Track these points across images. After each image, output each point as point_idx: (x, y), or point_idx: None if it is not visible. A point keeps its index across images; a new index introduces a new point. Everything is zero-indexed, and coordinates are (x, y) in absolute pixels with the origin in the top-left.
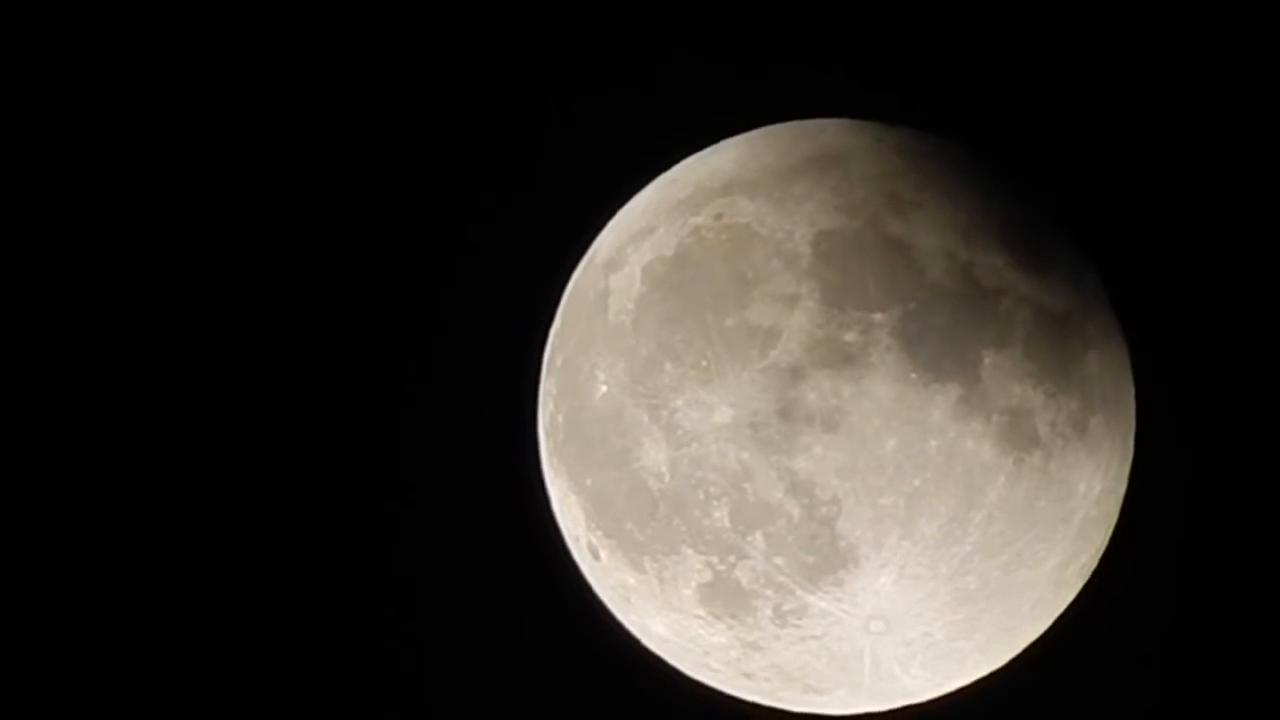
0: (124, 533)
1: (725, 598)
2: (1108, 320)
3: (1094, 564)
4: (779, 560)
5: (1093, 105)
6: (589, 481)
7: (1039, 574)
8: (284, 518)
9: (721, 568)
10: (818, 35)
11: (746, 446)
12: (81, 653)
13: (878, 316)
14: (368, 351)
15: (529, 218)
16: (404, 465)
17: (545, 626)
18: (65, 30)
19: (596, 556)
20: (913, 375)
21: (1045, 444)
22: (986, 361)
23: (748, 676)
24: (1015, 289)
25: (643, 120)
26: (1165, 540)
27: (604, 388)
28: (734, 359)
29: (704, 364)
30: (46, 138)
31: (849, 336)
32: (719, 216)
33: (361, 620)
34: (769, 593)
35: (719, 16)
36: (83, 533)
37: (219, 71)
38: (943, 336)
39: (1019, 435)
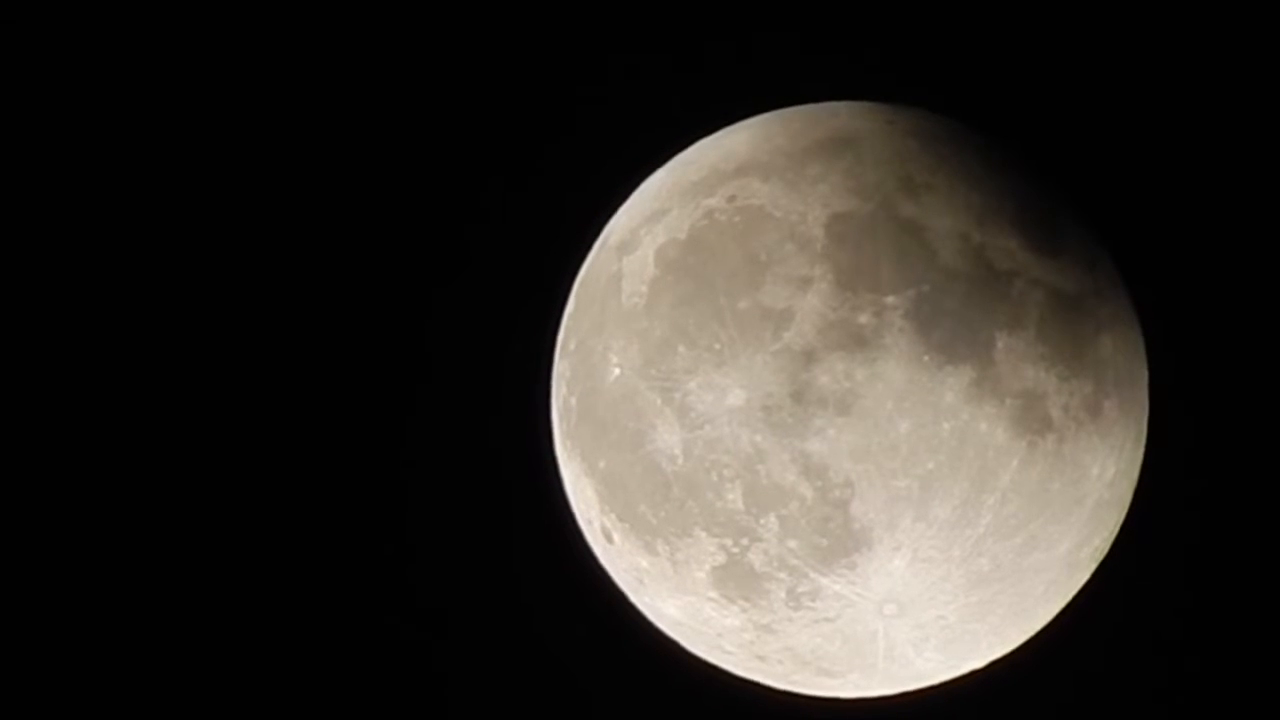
0: (139, 529)
1: (738, 580)
2: (1121, 303)
3: (1107, 547)
4: (792, 543)
5: (1105, 87)
6: (602, 464)
7: (1052, 557)
8: (299, 503)
9: (735, 550)
10: (831, 18)
11: (759, 429)
12: (92, 649)
13: (891, 299)
14: (381, 337)
15: (542, 200)
16: (418, 449)
17: (558, 609)
18: (65, 30)
19: (609, 539)
20: (926, 358)
21: (1058, 427)
22: (1000, 344)
23: (761, 659)
24: (1028, 271)
25: (656, 102)
26: (1178, 523)
27: (617, 370)
28: (747, 341)
29: (717, 346)
30: (47, 138)
31: (862, 319)
32: (732, 199)
33: (374, 604)
34: (782, 575)
35: None
36: (100, 526)
37: (249, 69)
38: (956, 319)
39: (1032, 418)
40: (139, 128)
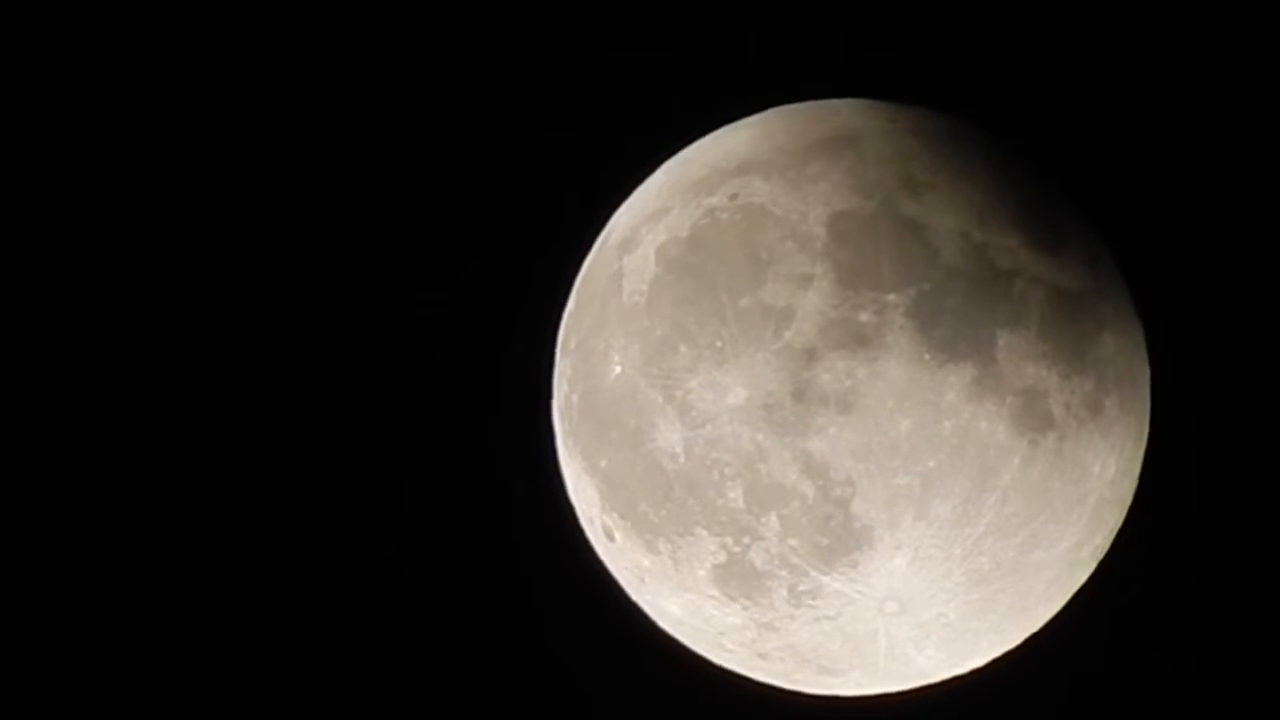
0: (137, 525)
1: (739, 579)
2: (1122, 301)
3: (1108, 545)
4: (793, 541)
5: (1106, 85)
6: (603, 463)
7: (1053, 555)
8: (299, 502)
9: (736, 549)
10: (833, 15)
11: (761, 428)
12: (96, 647)
13: (892, 297)
14: (382, 336)
15: (543, 199)
16: (419, 448)
17: (560, 607)
18: (65, 30)
19: (611, 538)
20: (927, 356)
21: (1060, 425)
22: (1001, 342)
23: (762, 657)
24: (1029, 270)
25: (657, 100)
26: (1180, 521)
27: (618, 369)
28: (748, 340)
29: (718, 345)
30: (47, 138)
31: (863, 317)
32: (733, 197)
33: (376, 602)
34: (783, 574)
35: None
36: (101, 526)
37: (247, 69)
38: (957, 317)
39: (1033, 416)
40: (140, 127)
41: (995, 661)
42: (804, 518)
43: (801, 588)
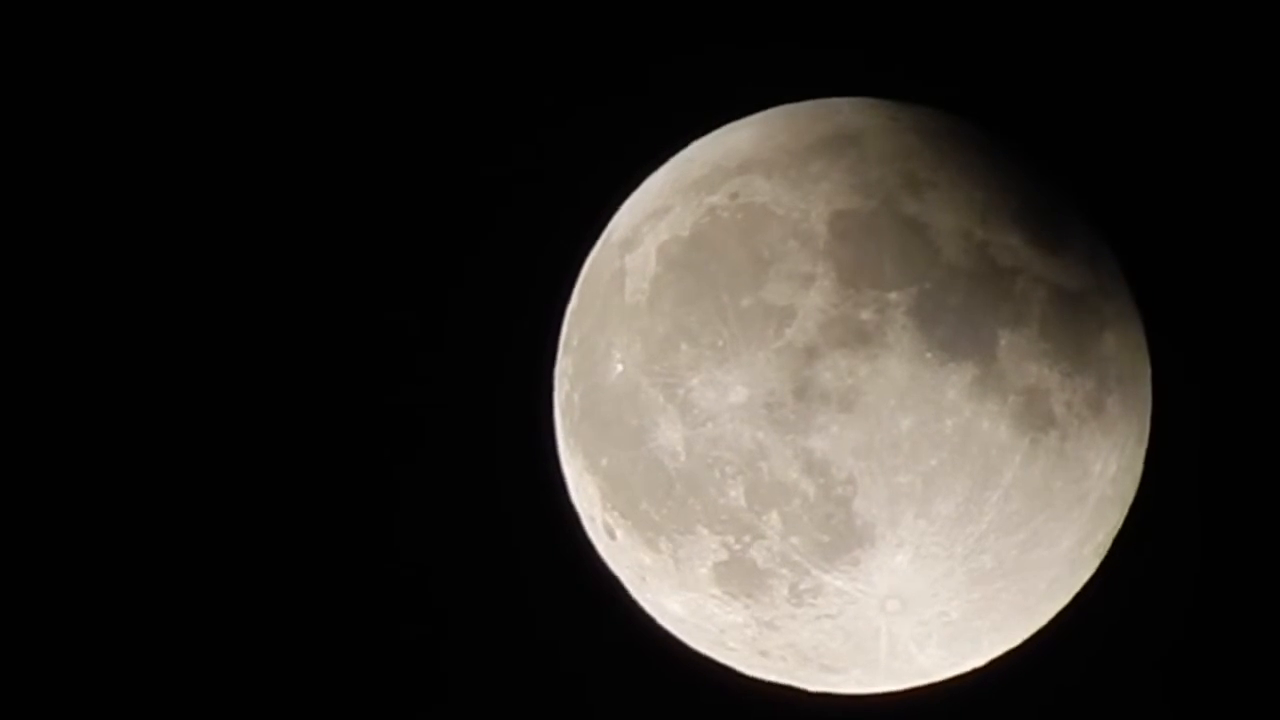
0: (137, 526)
1: (741, 577)
2: (1124, 299)
3: (1109, 543)
4: (795, 539)
5: (1108, 83)
6: (604, 461)
7: (1055, 553)
8: (298, 501)
9: (737, 547)
10: (834, 14)
11: (762, 426)
12: (100, 643)
13: (893, 296)
14: (385, 331)
15: (545, 198)
16: (420, 445)
17: (561, 606)
18: (65, 30)
19: (612, 536)
20: (928, 355)
21: (1061, 424)
22: (1002, 341)
23: (764, 655)
24: (1031, 268)
25: (659, 99)
26: (1181, 519)
27: (620, 367)
28: (749, 338)
29: (720, 343)
30: (47, 138)
31: (864, 316)
32: (735, 196)
33: (376, 600)
34: (785, 572)
35: None
36: (99, 524)
37: (246, 67)
38: (959, 316)
39: (1035, 415)
40: (141, 129)
41: (997, 660)
42: (805, 516)
43: (803, 586)
